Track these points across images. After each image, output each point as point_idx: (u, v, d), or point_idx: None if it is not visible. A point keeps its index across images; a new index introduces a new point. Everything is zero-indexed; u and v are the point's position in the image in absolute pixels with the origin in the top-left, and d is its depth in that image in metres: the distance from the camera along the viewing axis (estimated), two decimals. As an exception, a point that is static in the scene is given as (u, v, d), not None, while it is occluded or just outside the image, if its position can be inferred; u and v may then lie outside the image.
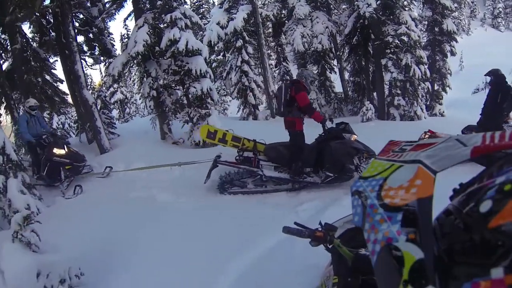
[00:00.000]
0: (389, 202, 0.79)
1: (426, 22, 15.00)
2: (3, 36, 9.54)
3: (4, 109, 9.47)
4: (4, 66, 9.64)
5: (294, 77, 12.76)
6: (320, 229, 1.35)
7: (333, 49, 12.16)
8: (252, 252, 2.99)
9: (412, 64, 11.45)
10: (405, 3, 11.76)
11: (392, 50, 11.48)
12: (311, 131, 4.90)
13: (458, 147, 0.83)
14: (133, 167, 6.06)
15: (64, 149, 5.82)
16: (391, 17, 11.51)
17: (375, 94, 11.94)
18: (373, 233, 0.76)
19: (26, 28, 9.62)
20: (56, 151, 5.69)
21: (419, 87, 12.25)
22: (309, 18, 10.81)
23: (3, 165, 4.71)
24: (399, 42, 11.26)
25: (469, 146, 0.81)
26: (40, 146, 5.79)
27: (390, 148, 1.06)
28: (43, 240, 2.74)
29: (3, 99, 9.53)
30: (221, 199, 4.61)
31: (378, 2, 10.78)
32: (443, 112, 14.80)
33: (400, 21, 11.19)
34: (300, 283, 2.33)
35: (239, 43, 10.54)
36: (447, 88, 15.19)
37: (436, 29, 14.14)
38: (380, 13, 11.28)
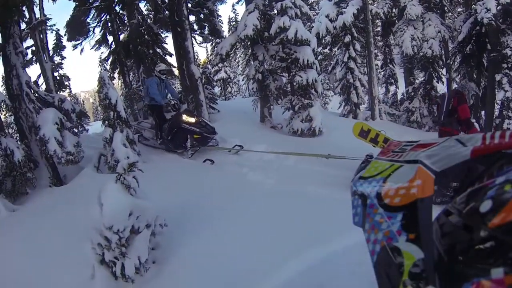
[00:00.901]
0: (389, 202, 0.78)
1: (554, 35, 12.73)
2: (122, 12, 10.67)
3: (118, 73, 10.67)
4: (121, 37, 10.81)
5: (402, 81, 12.08)
6: None
7: (444, 56, 11.08)
8: (325, 248, 2.87)
9: (531, 82, 9.86)
10: (531, 9, 10.08)
11: (510, 65, 10.00)
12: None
13: (458, 147, 0.83)
14: (229, 143, 6.08)
15: (195, 117, 5.71)
16: (513, 26, 10.01)
17: (483, 112, 10.62)
18: (373, 233, 0.77)
19: (143, 6, 10.65)
20: (186, 118, 5.59)
21: (536, 112, 10.52)
22: (421, 19, 9.96)
23: (113, 119, 5.28)
24: (519, 56, 9.75)
25: (469, 146, 0.81)
26: (168, 111, 5.87)
27: (390, 148, 1.05)
28: (139, 188, 2.97)
29: (117, 65, 10.75)
30: (309, 191, 4.44)
31: (499, 7, 9.40)
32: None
33: (523, 31, 9.67)
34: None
35: (348, 38, 10.27)
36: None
37: None
38: (500, 20, 9.86)
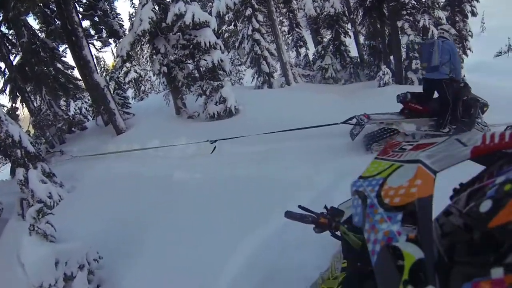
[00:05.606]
0: (389, 202, 0.78)
1: (445, -20, 13.99)
2: (10, 31, 9.53)
3: (20, 102, 9.58)
4: (15, 61, 9.67)
5: (311, 42, 12.16)
6: (325, 213, 1.27)
7: (347, 12, 11.60)
8: (265, 228, 2.92)
9: (430, 25, 10.77)
10: (422, -42, 10.93)
11: (409, 11, 10.77)
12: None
13: (458, 147, 0.84)
14: (149, 146, 5.72)
15: None
16: (407, -25, 10.76)
17: (391, 57, 11.38)
18: (373, 233, 0.76)
19: (32, 20, 9.60)
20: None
21: (438, 50, 11.54)
22: (320, -19, 10.29)
23: (21, 158, 4.78)
24: (415, 3, 10.55)
25: (469, 146, 0.81)
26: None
27: (390, 148, 1.06)
28: (61, 227, 2.78)
29: (17, 93, 9.64)
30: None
31: (392, -41, 10.07)
32: (464, 76, 13.96)
33: (417, -21, 10.47)
34: (314, 265, 2.19)
35: (248, 11, 10.17)
36: (468, 51, 14.29)
37: (456, -13, 13.18)
38: (395, -29, 10.56)
